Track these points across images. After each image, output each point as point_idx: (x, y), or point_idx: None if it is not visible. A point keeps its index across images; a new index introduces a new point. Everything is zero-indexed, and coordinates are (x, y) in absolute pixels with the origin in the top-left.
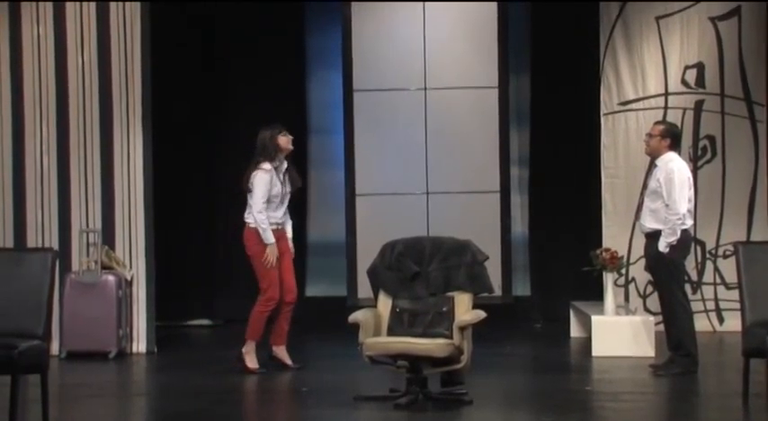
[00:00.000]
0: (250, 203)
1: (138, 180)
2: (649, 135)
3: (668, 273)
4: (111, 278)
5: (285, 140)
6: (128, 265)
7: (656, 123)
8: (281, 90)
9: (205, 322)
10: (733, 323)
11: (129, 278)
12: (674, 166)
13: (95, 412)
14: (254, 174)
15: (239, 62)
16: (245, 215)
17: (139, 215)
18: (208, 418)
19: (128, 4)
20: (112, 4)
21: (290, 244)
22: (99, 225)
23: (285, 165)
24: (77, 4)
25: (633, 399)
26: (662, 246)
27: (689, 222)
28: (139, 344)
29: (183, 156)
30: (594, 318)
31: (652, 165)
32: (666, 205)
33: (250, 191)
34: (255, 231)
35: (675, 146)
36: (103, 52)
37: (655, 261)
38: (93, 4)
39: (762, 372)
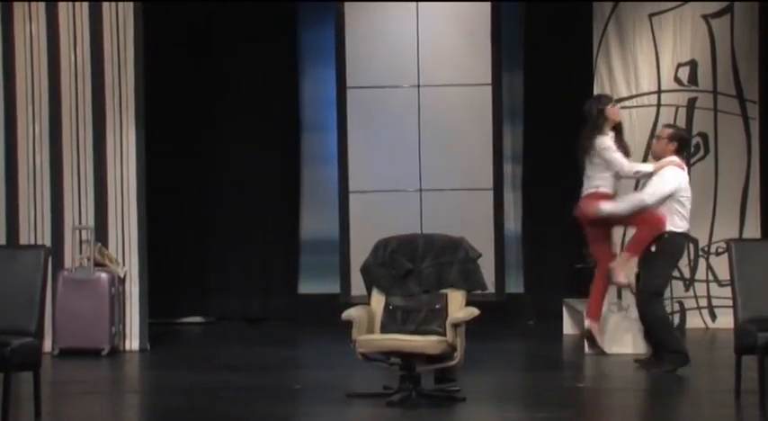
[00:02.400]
0: (589, 173)
1: (131, 177)
2: (657, 137)
3: (658, 269)
4: (103, 275)
5: (614, 111)
6: (121, 262)
7: (666, 126)
8: (274, 87)
9: (198, 320)
10: (725, 320)
11: (122, 275)
12: (670, 175)
13: (88, 409)
14: (599, 141)
15: (233, 59)
16: (591, 183)
17: (132, 212)
18: (201, 416)
19: (121, 3)
20: (105, 2)
21: None
22: (92, 222)
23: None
24: (70, 3)
25: (626, 396)
26: (607, 205)
27: (681, 225)
28: (132, 342)
29: (176, 154)
30: None
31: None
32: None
33: (589, 159)
34: (596, 198)
35: (681, 151)
36: (96, 50)
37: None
38: (85, 4)
39: (754, 369)
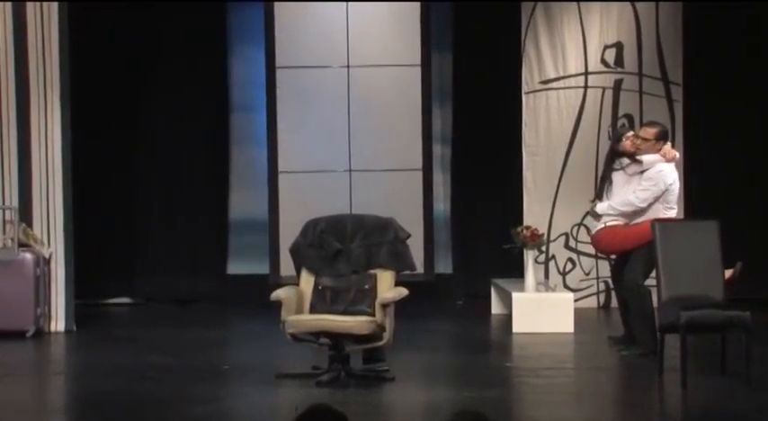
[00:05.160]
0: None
1: (56, 156)
2: (642, 138)
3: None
4: (28, 256)
5: (625, 145)
6: (46, 243)
7: (648, 126)
8: (202, 67)
9: (125, 300)
10: None
11: (47, 256)
12: (668, 177)
13: (12, 392)
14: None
15: (160, 39)
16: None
17: (57, 192)
18: (128, 397)
19: None
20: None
21: None
22: (16, 202)
23: None
24: None
25: (552, 375)
26: (602, 207)
27: (668, 215)
28: (58, 323)
29: (103, 134)
30: (515, 295)
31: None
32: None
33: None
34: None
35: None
36: (20, 29)
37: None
38: None
39: (676, 347)
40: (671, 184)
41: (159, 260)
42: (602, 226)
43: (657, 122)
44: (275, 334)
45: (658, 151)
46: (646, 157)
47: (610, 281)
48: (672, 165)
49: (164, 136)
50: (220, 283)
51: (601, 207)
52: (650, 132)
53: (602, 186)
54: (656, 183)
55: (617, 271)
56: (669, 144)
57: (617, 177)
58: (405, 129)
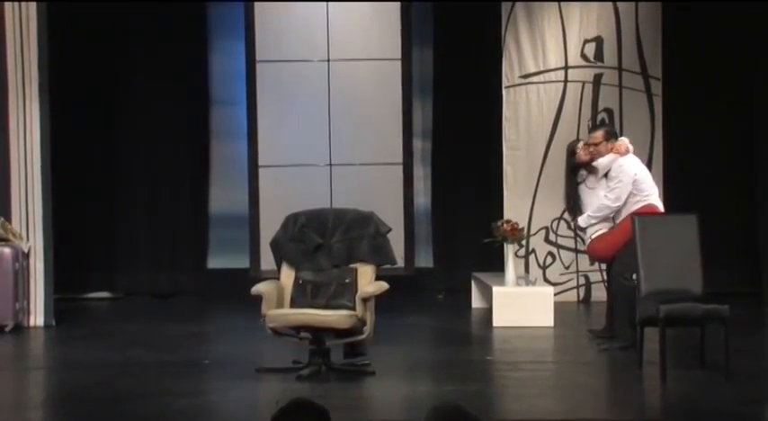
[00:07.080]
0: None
1: (35, 150)
2: (592, 144)
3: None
4: (6, 250)
5: (579, 155)
6: (25, 237)
7: (594, 131)
8: (183, 60)
9: (105, 295)
10: None
11: (26, 250)
12: (629, 169)
13: None
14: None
15: (140, 32)
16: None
17: (36, 185)
18: (108, 392)
19: None
20: None
21: None
22: None
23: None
24: None
25: (532, 368)
26: (583, 219)
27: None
28: (37, 318)
29: (82, 127)
30: (495, 289)
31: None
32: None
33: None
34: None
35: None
36: None
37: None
38: None
39: (656, 341)
40: (636, 174)
41: (139, 254)
42: (589, 240)
43: (600, 125)
44: (256, 328)
45: (612, 150)
46: (600, 162)
47: (590, 275)
48: (630, 156)
49: (144, 130)
50: (201, 278)
51: (582, 219)
52: (598, 136)
53: (573, 204)
54: (620, 179)
55: (610, 266)
56: (624, 138)
57: (583, 190)
58: (385, 123)
